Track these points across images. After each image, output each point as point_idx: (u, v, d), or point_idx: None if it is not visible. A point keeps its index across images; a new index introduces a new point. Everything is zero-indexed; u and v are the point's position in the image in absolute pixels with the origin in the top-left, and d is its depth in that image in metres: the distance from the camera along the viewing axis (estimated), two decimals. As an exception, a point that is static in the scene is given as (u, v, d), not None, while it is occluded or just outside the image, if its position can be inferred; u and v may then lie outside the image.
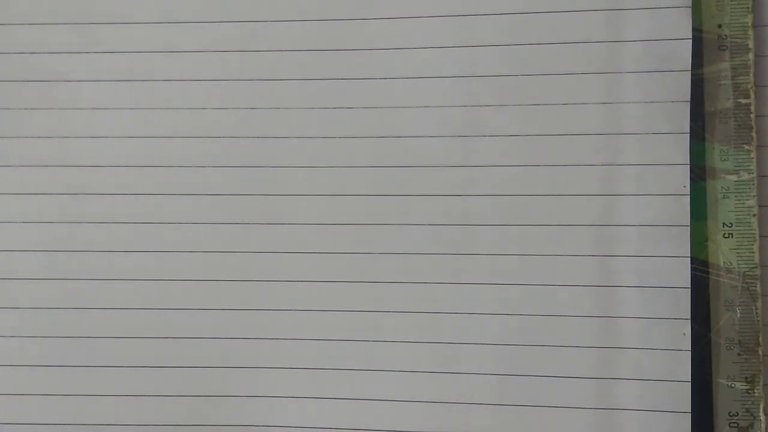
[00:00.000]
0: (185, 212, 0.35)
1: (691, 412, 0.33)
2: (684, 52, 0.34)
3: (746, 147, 0.34)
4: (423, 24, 0.35)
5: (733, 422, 0.32)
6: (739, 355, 0.33)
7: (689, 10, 0.34)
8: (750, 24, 0.34)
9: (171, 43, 0.36)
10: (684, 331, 0.33)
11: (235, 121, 0.35)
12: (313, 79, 0.35)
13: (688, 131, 0.34)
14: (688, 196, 0.34)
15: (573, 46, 0.35)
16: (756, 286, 0.33)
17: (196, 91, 0.36)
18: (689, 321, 0.33)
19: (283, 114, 0.35)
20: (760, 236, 0.33)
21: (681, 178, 0.34)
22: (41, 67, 0.36)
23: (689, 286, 0.33)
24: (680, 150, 0.34)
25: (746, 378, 0.32)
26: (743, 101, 0.34)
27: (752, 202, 0.33)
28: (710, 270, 0.33)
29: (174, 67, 0.36)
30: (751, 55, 0.34)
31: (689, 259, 0.33)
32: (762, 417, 0.32)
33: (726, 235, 0.33)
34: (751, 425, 0.32)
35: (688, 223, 0.34)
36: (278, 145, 0.33)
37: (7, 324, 0.35)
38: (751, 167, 0.34)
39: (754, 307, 0.33)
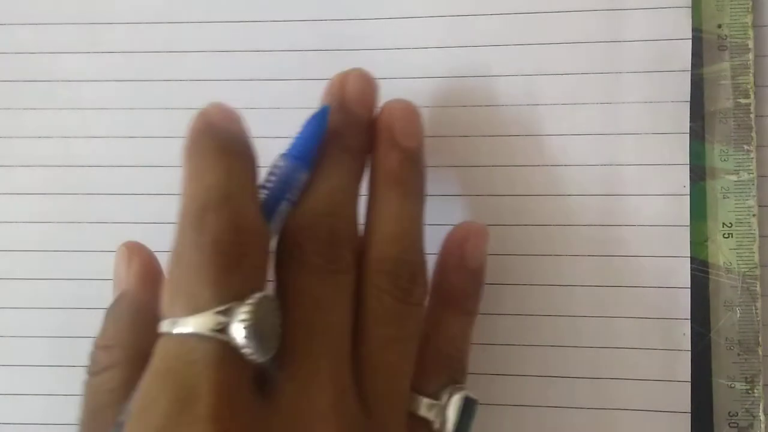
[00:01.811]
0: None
1: (691, 412, 0.33)
2: (684, 52, 0.34)
3: (746, 147, 0.34)
4: (422, 24, 0.35)
5: (733, 422, 0.32)
6: (738, 355, 0.33)
7: (689, 10, 0.34)
8: (750, 24, 0.34)
9: (171, 43, 0.36)
10: (684, 331, 0.33)
11: None
12: (313, 79, 0.35)
13: (688, 131, 0.34)
14: (688, 196, 0.34)
15: (573, 46, 0.35)
16: (756, 286, 0.33)
17: (196, 91, 0.36)
18: (689, 321, 0.33)
19: (283, 114, 0.35)
20: (760, 236, 0.33)
21: (681, 178, 0.34)
22: (41, 67, 0.36)
23: (689, 286, 0.33)
24: (680, 150, 0.34)
25: (746, 378, 0.32)
26: (743, 101, 0.34)
27: (752, 202, 0.33)
28: (710, 270, 0.33)
29: (174, 67, 0.36)
30: (751, 55, 0.34)
31: (689, 259, 0.33)
32: (762, 417, 0.32)
33: (726, 235, 0.33)
34: (751, 425, 0.32)
35: (688, 223, 0.34)
36: (278, 144, 0.32)
37: (8, 323, 0.35)
38: (750, 167, 0.33)
39: (754, 307, 0.33)
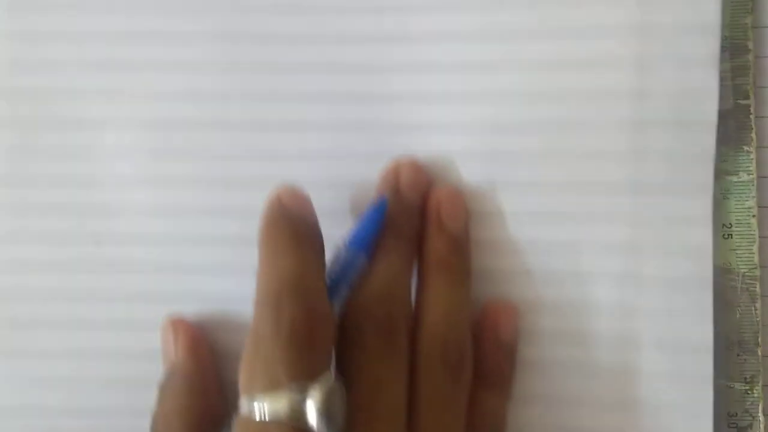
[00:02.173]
0: (204, 257, 0.35)
1: (690, 413, 0.33)
2: (710, 106, 0.33)
3: (746, 148, 0.34)
4: (442, 75, 0.34)
5: (732, 423, 0.33)
6: (738, 355, 0.33)
7: (716, 67, 0.33)
8: (750, 25, 0.34)
9: (193, 91, 0.35)
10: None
11: (260, 170, 0.35)
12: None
13: (712, 190, 0.33)
14: (711, 253, 0.33)
15: (598, 97, 0.33)
16: (755, 287, 0.33)
17: (218, 138, 0.35)
18: (711, 361, 0.33)
19: (308, 161, 0.35)
20: (759, 237, 0.34)
21: (704, 235, 0.33)
22: (64, 113, 0.35)
23: (712, 337, 0.33)
24: (703, 207, 0.33)
25: (745, 378, 0.33)
26: (743, 102, 0.34)
27: (752, 203, 0.34)
28: (710, 270, 0.34)
29: (197, 115, 0.35)
30: (750, 57, 0.34)
31: (712, 318, 0.33)
32: (761, 417, 0.33)
33: (726, 236, 0.34)
34: (750, 426, 0.33)
35: (711, 279, 0.33)
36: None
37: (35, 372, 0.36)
38: (750, 168, 0.34)
39: (753, 308, 0.33)
